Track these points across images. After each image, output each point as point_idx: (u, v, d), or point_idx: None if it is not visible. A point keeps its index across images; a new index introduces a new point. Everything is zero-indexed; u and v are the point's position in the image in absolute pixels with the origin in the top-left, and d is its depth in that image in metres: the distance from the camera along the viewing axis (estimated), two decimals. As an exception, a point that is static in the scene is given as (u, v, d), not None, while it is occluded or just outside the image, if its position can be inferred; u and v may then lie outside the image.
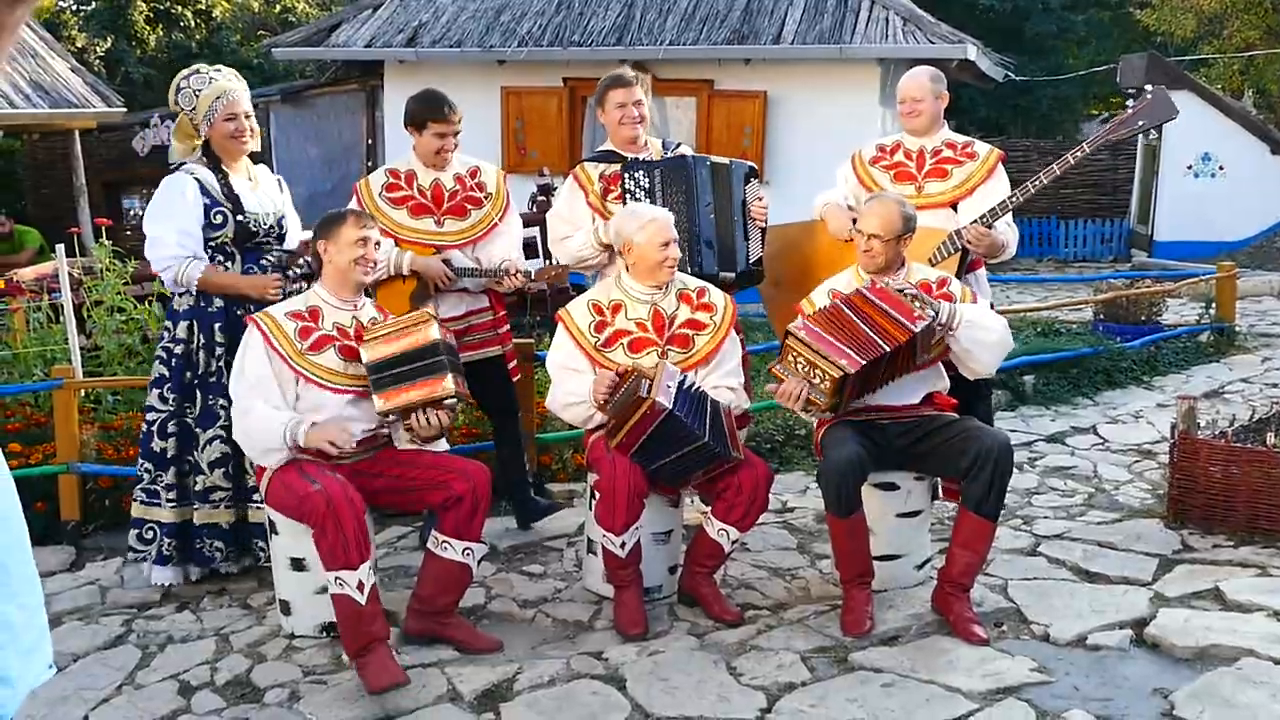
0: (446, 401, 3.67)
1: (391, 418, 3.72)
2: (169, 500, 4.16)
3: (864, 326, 3.67)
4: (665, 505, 4.08)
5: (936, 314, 3.75)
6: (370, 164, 12.38)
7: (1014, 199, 4.26)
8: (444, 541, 3.70)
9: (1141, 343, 7.86)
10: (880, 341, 3.64)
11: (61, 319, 5.62)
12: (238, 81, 4.22)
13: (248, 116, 4.17)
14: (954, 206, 4.49)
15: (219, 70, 4.23)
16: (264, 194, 4.26)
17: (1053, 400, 6.98)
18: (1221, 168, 14.19)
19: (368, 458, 3.80)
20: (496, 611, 4.06)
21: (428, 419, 3.66)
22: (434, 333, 3.68)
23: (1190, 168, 14.27)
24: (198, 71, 4.20)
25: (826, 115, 10.60)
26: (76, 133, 12.53)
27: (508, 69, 11.28)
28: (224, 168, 4.17)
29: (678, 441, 3.76)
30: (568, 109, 11.34)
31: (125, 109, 13.19)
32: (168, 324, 4.24)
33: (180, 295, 4.18)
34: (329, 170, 12.68)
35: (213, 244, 4.12)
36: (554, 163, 10.89)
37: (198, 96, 4.12)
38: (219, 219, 4.10)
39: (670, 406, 3.69)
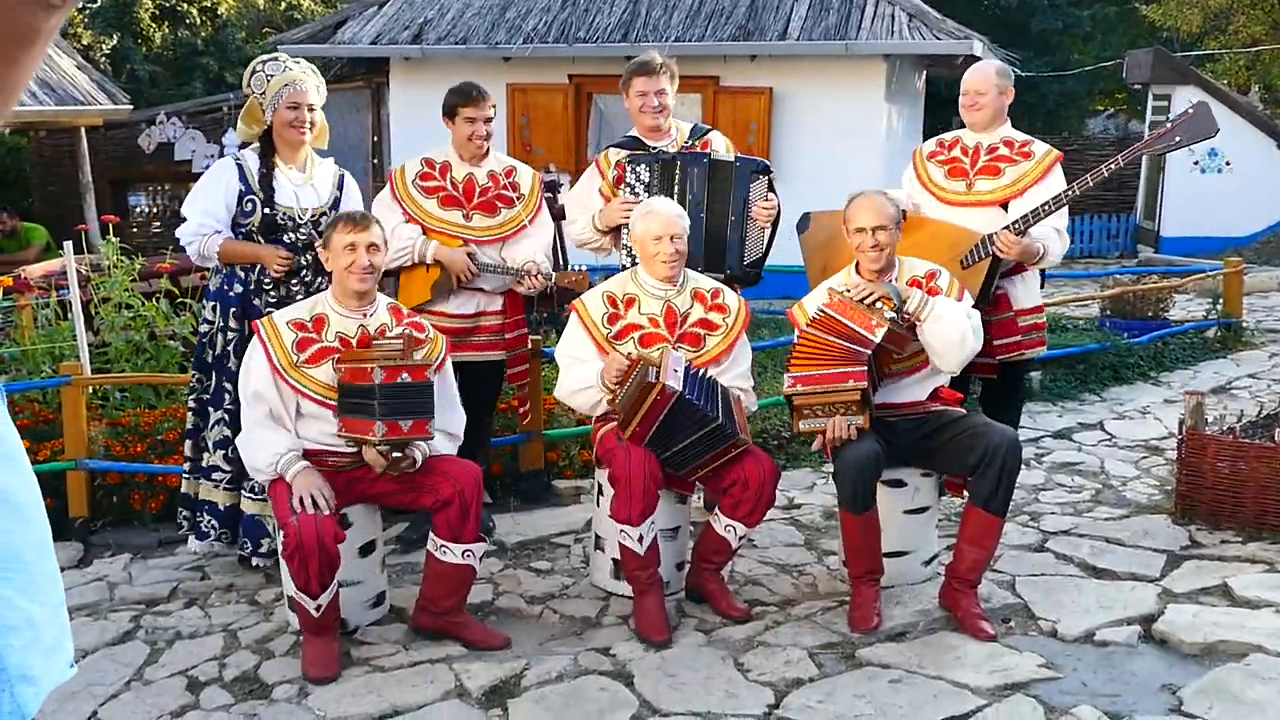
0: (379, 448, 3.57)
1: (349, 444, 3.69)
2: (186, 473, 4.39)
3: (840, 340, 3.72)
4: (673, 501, 4.08)
5: (901, 306, 3.75)
6: (375, 161, 12.38)
7: (1046, 208, 4.07)
8: (442, 545, 3.69)
9: (1148, 338, 7.84)
10: (859, 348, 3.69)
11: (69, 316, 5.64)
12: (312, 76, 4.28)
13: (311, 109, 4.22)
14: (1005, 206, 4.33)
15: (298, 62, 4.31)
16: (311, 190, 4.31)
17: (1060, 396, 6.97)
18: (1228, 163, 14.13)
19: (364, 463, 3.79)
20: (504, 608, 4.07)
21: (378, 452, 3.60)
22: (376, 376, 3.52)
23: (1196, 163, 14.20)
24: (275, 59, 4.29)
25: (832, 112, 10.61)
26: (83, 130, 12.52)
27: (513, 66, 11.26)
28: (276, 157, 4.24)
29: (690, 425, 3.75)
30: (573, 106, 11.32)
31: (131, 106, 13.17)
32: (202, 302, 4.44)
33: (213, 276, 4.32)
34: (333, 168, 12.67)
35: (242, 230, 4.23)
36: (560, 160, 10.89)
37: (268, 81, 4.20)
38: (249, 207, 4.20)
39: (680, 389, 3.69)
